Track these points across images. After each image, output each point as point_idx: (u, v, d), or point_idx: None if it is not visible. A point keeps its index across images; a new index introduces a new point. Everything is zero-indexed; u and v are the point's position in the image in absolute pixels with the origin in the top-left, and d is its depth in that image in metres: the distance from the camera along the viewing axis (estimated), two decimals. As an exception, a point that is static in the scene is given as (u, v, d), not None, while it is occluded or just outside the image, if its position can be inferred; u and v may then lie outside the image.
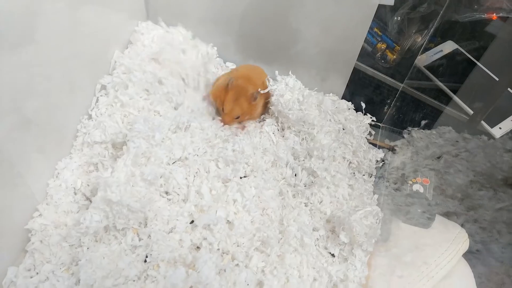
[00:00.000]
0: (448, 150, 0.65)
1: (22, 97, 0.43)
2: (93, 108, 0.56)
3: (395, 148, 0.68)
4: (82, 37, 0.51)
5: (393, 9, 0.75)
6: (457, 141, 0.65)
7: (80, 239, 0.48)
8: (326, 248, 0.52)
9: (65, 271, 0.47)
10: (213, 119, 0.60)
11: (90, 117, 0.55)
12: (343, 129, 0.62)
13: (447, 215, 0.59)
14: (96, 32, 0.55)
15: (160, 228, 0.48)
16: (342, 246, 0.52)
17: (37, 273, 0.46)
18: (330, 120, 0.62)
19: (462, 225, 0.57)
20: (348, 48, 0.62)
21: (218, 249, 0.48)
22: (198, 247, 0.48)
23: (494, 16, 0.74)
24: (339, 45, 0.62)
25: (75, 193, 0.52)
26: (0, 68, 0.40)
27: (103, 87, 0.57)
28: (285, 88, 0.61)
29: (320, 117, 0.60)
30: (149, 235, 0.47)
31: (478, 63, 0.74)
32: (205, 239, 0.48)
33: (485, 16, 0.74)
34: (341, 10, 0.58)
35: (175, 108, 0.60)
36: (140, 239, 0.48)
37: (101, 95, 0.57)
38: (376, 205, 0.56)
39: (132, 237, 0.47)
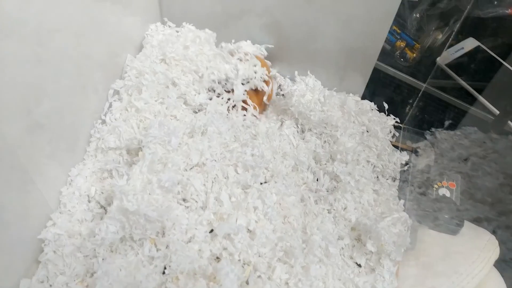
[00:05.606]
0: (475, 152, 0.62)
1: (33, 100, 0.42)
2: (106, 113, 0.54)
3: (418, 150, 0.65)
4: (95, 40, 0.50)
5: (412, 5, 0.72)
6: (484, 142, 0.62)
7: (95, 250, 0.46)
8: (352, 258, 0.49)
9: (79, 283, 0.45)
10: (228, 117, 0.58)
11: (103, 122, 0.53)
12: (367, 131, 0.60)
13: (477, 220, 0.57)
14: (110, 36, 0.53)
15: (179, 238, 0.46)
16: (368, 256, 0.49)
17: (51, 285, 0.45)
18: (353, 121, 0.59)
19: (493, 231, 0.54)
20: (369, 45, 0.60)
21: (239, 260, 0.45)
22: (218, 258, 0.46)
23: (518, 12, 0.72)
24: (360, 43, 0.60)
25: (89, 201, 0.50)
26: (11, 69, 0.38)
27: (116, 92, 0.55)
28: (305, 88, 0.58)
29: (344, 118, 0.58)
30: (167, 245, 0.45)
31: (501, 61, 0.71)
32: (225, 249, 0.46)
33: (509, 11, 0.72)
34: (362, 5, 0.55)
35: (195, 112, 0.57)
36: (158, 250, 0.46)
37: (114, 100, 0.55)
38: (403, 211, 0.53)
39: (149, 248, 0.45)
